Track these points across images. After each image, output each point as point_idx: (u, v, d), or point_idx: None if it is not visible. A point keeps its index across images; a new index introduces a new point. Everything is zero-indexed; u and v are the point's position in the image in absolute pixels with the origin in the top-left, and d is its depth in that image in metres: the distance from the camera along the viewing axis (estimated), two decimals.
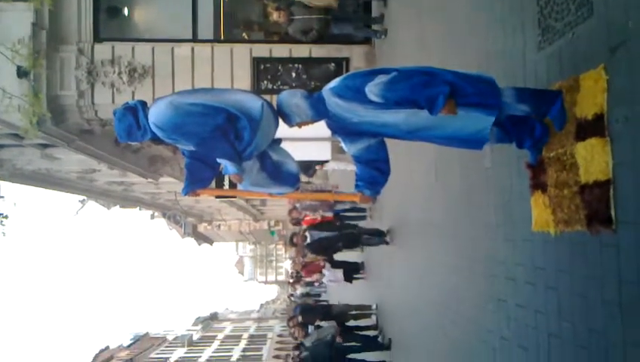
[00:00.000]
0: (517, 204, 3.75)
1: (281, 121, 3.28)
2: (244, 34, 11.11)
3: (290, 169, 3.56)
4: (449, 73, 3.02)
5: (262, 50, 10.35)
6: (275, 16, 9.34)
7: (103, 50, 9.96)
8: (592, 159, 2.85)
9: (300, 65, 10.30)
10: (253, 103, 3.15)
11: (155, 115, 3.15)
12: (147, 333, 59.83)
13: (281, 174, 3.54)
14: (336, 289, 13.44)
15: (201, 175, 3.47)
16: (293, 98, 3.16)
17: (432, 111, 2.87)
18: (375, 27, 9.28)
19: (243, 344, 59.45)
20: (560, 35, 3.22)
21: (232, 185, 6.14)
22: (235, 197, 14.48)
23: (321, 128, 6.21)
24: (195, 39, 10.37)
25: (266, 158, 3.45)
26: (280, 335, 61.71)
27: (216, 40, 10.45)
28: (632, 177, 2.61)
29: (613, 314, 2.73)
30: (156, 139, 3.29)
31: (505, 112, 3.08)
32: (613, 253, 2.75)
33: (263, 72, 10.16)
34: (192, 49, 10.18)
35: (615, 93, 2.72)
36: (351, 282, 12.14)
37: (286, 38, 10.32)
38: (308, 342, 10.44)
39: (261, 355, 53.79)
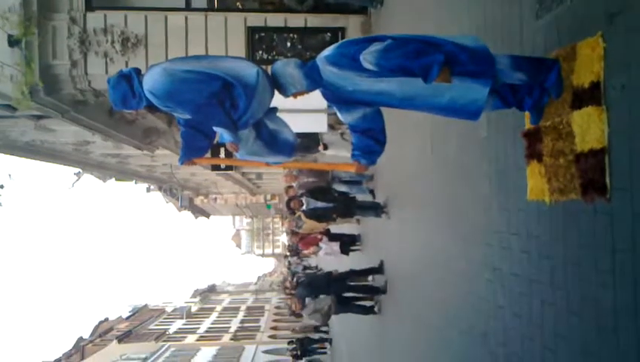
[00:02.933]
0: (512, 173, 3.75)
1: (276, 92, 3.25)
2: (238, 3, 10.94)
3: (287, 137, 3.55)
4: (446, 42, 2.98)
5: (256, 19, 10.22)
6: None
7: (95, 19, 9.80)
8: (588, 127, 2.84)
9: (296, 35, 10.19)
10: (249, 70, 3.12)
11: (150, 82, 3.11)
12: (146, 305, 60.54)
13: (278, 143, 3.52)
14: (330, 262, 13.53)
15: (197, 144, 3.45)
16: (287, 67, 3.12)
17: (427, 79, 2.85)
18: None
19: (241, 315, 60.18)
20: (558, 2, 3.17)
21: (229, 155, 6.12)
22: (231, 167, 14.49)
23: (317, 99, 6.20)
24: (188, 8, 10.22)
25: (263, 127, 3.43)
26: (277, 307, 62.49)
27: (209, 9, 10.31)
28: (628, 145, 2.61)
29: (605, 282, 2.76)
30: (151, 107, 3.26)
31: (501, 80, 3.05)
32: (606, 221, 2.76)
33: (258, 41, 10.04)
34: (186, 18, 10.03)
35: (612, 61, 2.70)
36: (347, 254, 12.23)
37: (281, 8, 10.19)
38: (305, 313, 10.57)
39: (259, 326, 54.50)
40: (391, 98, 3.09)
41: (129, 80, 3.16)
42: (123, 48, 9.64)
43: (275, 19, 10.22)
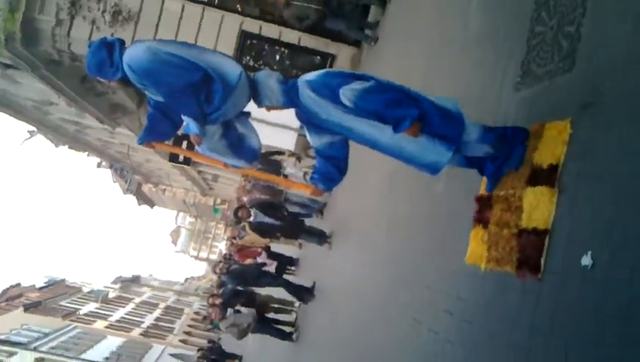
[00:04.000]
0: (457, 233, 3.84)
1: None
2: (238, 5, 10.97)
3: (253, 144, 3.54)
4: (425, 99, 3.08)
5: (252, 25, 10.26)
6: None
7: None
8: (538, 206, 2.95)
9: (286, 51, 10.26)
10: (233, 70, 3.11)
11: (131, 56, 3.07)
12: (63, 280, 58.18)
13: (242, 147, 3.51)
14: None
15: (161, 128, 3.41)
16: (269, 80, 3.14)
17: (396, 129, 2.94)
18: (368, 32, 9.34)
19: (157, 313, 58.53)
20: (538, 81, 3.32)
21: (190, 147, 6.05)
22: (189, 161, 14.28)
23: (291, 117, 6.22)
24: None
25: (231, 128, 3.41)
26: (197, 313, 61.05)
27: (209, 3, 10.29)
28: (569, 232, 2.72)
29: (517, 357, 2.84)
30: (126, 81, 3.21)
31: (464, 152, 3.18)
32: (532, 300, 2.84)
33: (248, 47, 10.06)
34: (183, 6, 9.98)
35: (574, 148, 2.82)
36: (282, 276, 12.15)
37: (279, 20, 10.26)
38: (222, 326, 10.39)
39: (173, 328, 53.07)
40: (359, 136, 3.15)
41: (110, 48, 3.11)
42: (112, 20, 9.49)
43: (270, 30, 10.28)
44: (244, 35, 10.11)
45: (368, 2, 9.34)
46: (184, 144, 9.77)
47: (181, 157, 14.20)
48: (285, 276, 11.48)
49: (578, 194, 2.72)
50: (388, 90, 3.01)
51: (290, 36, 10.25)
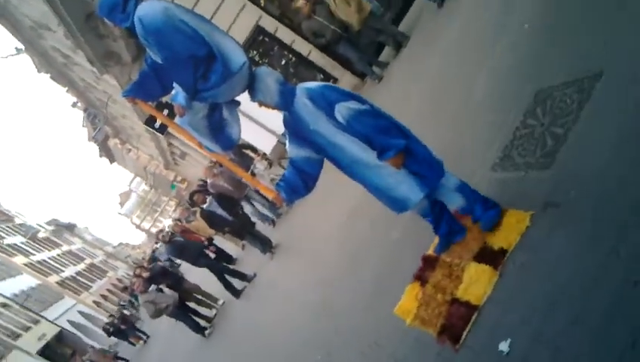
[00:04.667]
0: (396, 283, 3.90)
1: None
2: (262, 1, 11.01)
3: (232, 133, 3.54)
4: (414, 137, 3.18)
5: (269, 23, 10.29)
6: (300, 3, 9.37)
7: None
8: (476, 282, 3.05)
9: (294, 59, 10.32)
10: (238, 57, 3.13)
11: (146, 11, 3.06)
12: None
13: (222, 133, 3.51)
14: (192, 269, 13.26)
15: (150, 88, 3.40)
16: (269, 77, 3.17)
17: (380, 156, 3.02)
18: (375, 69, 9.49)
19: (81, 267, 57.01)
20: (515, 168, 3.45)
21: (171, 115, 6.01)
22: (164, 130, 14.07)
23: (276, 122, 6.23)
24: None
25: (217, 111, 3.42)
26: (119, 280, 59.70)
27: None
28: (497, 315, 2.81)
29: None
30: (131, 32, 3.20)
31: (436, 195, 3.25)
32: None
33: (259, 43, 10.09)
34: None
35: (527, 241, 2.94)
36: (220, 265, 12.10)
37: (296, 28, 10.34)
38: (141, 299, 10.19)
39: (91, 286, 51.70)
40: (341, 155, 3.18)
41: None
42: None
43: (285, 34, 10.34)
44: (258, 30, 10.14)
45: (385, 42, 9.50)
46: (165, 111, 9.69)
47: (157, 124, 14.02)
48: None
49: (516, 283, 2.82)
50: (381, 117, 3.09)
51: (302, 47, 10.32)
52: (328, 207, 7.46)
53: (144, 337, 20.86)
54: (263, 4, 10.69)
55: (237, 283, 9.44)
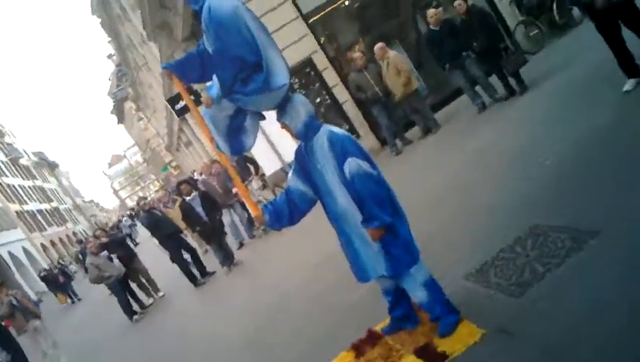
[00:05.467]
0: (335, 344, 3.88)
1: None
2: (324, 37, 11.30)
3: (246, 142, 3.59)
4: (404, 218, 3.24)
5: (320, 60, 10.52)
6: (356, 55, 9.66)
7: None
8: None
9: (329, 101, 10.52)
10: (281, 77, 3.20)
11: (219, 1, 3.16)
12: None
13: (237, 137, 3.56)
14: (153, 253, 13.11)
15: (190, 70, 3.48)
16: (302, 106, 3.25)
17: (364, 223, 3.09)
18: (398, 142, 9.69)
19: (45, 206, 56.27)
20: (486, 285, 3.50)
21: (197, 101, 6.10)
22: (183, 113, 14.15)
23: (289, 150, 6.32)
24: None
25: (242, 116, 3.48)
26: (74, 234, 58.75)
27: (303, 16, 10.59)
28: None
29: None
30: (196, 15, 3.31)
31: (404, 283, 3.28)
32: None
33: (304, 73, 10.29)
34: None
35: (469, 354, 2.96)
36: (173, 262, 12.00)
37: (342, 75, 10.59)
38: (89, 260, 10.06)
39: (46, 229, 50.88)
40: (332, 203, 3.24)
41: None
42: None
43: (330, 76, 10.55)
44: (308, 62, 10.37)
45: (416, 121, 9.73)
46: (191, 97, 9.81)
47: (178, 106, 14.15)
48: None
49: None
50: (382, 188, 3.16)
51: (341, 94, 10.54)
52: (301, 247, 7.48)
53: (75, 298, 20.38)
54: (322, 41, 10.99)
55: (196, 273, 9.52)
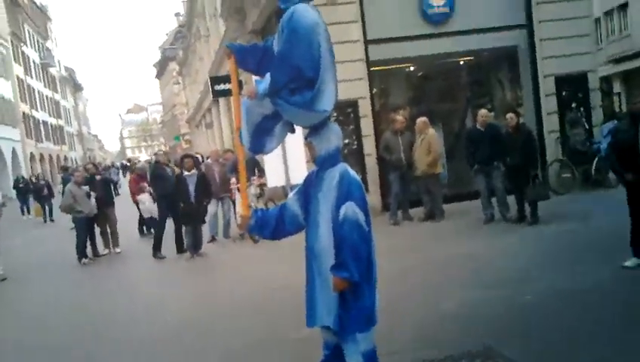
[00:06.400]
0: None
1: (301, 133, 3.39)
2: (376, 89, 11.47)
3: (267, 145, 3.60)
4: (374, 283, 3.21)
5: (364, 106, 10.65)
6: (398, 118, 9.80)
7: None
8: None
9: (354, 147, 10.61)
10: (327, 103, 3.23)
11: (304, 10, 3.22)
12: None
13: (261, 137, 3.58)
14: (128, 209, 13.11)
15: (249, 59, 3.54)
16: (335, 136, 3.28)
17: (332, 268, 3.05)
18: (399, 213, 9.77)
19: (52, 121, 56.50)
20: None
21: (241, 88, 6.16)
22: (223, 94, 14.31)
23: (300, 171, 6.36)
24: (382, 39, 10.85)
25: (276, 120, 3.51)
26: (65, 158, 58.64)
27: (368, 59, 10.79)
28: None
29: None
30: (280, 13, 3.39)
31: (345, 345, 3.23)
32: None
33: (344, 112, 10.39)
34: (367, 47, 10.71)
35: None
36: (142, 233, 12.33)
37: (377, 129, 10.72)
38: (69, 186, 10.04)
39: (41, 141, 50.84)
40: (314, 235, 3.23)
41: None
42: None
43: (367, 126, 10.67)
44: (353, 104, 10.44)
45: (424, 203, 9.75)
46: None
47: (219, 87, 14.32)
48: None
49: None
50: (367, 246, 3.13)
51: (368, 145, 10.61)
52: (268, 266, 7.45)
53: (49, 216, 19.77)
54: (374, 91, 11.15)
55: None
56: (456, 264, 6.52)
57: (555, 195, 9.47)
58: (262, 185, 9.89)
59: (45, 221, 19.61)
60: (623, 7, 28.81)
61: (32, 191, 21.41)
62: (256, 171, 9.73)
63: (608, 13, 30.20)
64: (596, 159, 10.74)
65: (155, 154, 13.14)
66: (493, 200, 8.91)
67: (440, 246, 7.55)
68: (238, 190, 10.05)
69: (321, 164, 3.27)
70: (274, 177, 7.97)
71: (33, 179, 24.22)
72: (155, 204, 10.16)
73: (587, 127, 11.28)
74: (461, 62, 12.85)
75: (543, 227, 8.01)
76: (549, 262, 6.21)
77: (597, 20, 27.85)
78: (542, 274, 5.67)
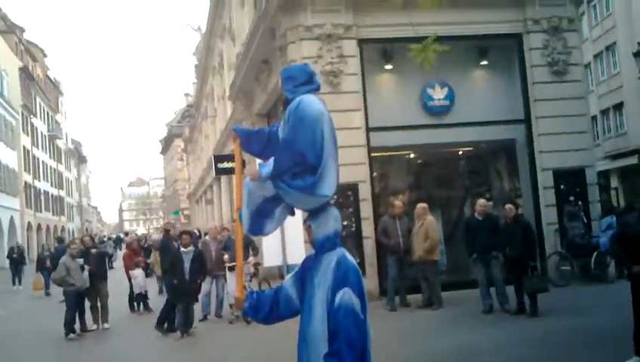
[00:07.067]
0: None
1: (300, 213, 3.42)
2: (376, 173, 11.62)
3: (266, 227, 3.61)
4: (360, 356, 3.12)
5: (364, 191, 10.74)
6: (397, 203, 9.88)
7: None
8: None
9: (353, 230, 10.59)
10: (328, 189, 3.27)
11: (311, 101, 3.34)
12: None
13: (261, 219, 3.60)
14: (120, 283, 12.92)
15: (255, 143, 3.62)
16: (334, 221, 3.27)
17: (326, 357, 2.92)
18: (397, 299, 9.64)
19: (53, 191, 56.90)
20: None
21: (243, 166, 6.26)
22: (226, 172, 14.51)
23: (296, 255, 6.31)
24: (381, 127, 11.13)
25: (276, 203, 3.54)
26: (62, 229, 58.41)
27: (369, 144, 11.02)
28: None
29: None
30: (286, 103, 3.51)
31: None
32: None
33: (344, 195, 10.46)
34: (369, 136, 10.99)
35: None
36: (132, 309, 12.09)
37: (376, 213, 10.75)
38: (64, 259, 9.92)
39: (40, 212, 50.90)
40: (307, 321, 3.15)
41: (310, 78, 3.47)
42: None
43: (366, 209, 10.73)
44: (353, 187, 10.52)
45: (422, 290, 9.62)
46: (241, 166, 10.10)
47: (222, 166, 14.51)
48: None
49: None
50: (362, 334, 3.04)
51: (366, 228, 10.57)
52: (261, 348, 7.23)
53: (47, 289, 19.17)
54: (373, 175, 11.30)
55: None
56: (455, 356, 6.32)
57: (553, 287, 9.35)
58: (257, 265, 9.80)
59: (47, 294, 18.99)
60: (619, 106, 29.84)
61: (24, 263, 20.99)
62: (250, 250, 9.66)
63: (605, 112, 31.23)
64: (595, 253, 10.71)
65: (167, 223, 13.07)
66: (492, 290, 8.79)
67: (437, 336, 7.37)
68: (230, 269, 10.11)
69: (319, 247, 3.27)
70: (271, 257, 7.89)
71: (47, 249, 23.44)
72: (147, 280, 10.00)
73: (585, 220, 11.33)
74: (460, 152, 13.13)
75: (542, 320, 7.85)
76: (548, 357, 6.04)
77: (594, 118, 28.80)
78: None
